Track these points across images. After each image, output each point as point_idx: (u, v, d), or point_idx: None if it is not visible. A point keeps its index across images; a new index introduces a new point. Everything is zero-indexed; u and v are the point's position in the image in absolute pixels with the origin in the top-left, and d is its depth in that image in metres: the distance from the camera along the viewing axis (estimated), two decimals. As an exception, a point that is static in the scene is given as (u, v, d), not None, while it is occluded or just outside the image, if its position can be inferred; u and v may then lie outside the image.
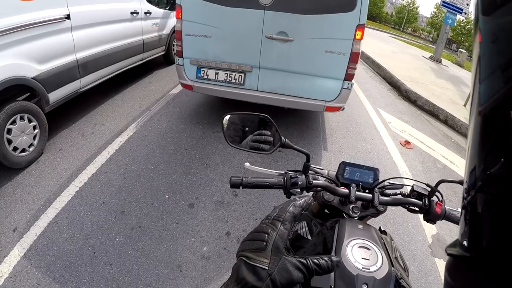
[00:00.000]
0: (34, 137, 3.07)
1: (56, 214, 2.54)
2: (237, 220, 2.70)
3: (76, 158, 3.21)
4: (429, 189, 1.09)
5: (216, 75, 3.60)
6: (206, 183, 3.08)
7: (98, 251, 2.30)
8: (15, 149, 2.86)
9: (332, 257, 0.68)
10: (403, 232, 2.91)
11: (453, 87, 8.92)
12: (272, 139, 1.03)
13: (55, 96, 3.26)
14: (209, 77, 3.62)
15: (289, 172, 1.01)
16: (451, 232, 3.08)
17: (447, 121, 6.13)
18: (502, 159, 0.27)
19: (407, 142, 4.70)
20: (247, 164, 1.04)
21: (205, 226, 2.61)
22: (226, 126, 1.03)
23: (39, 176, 2.92)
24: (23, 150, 2.95)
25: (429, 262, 2.68)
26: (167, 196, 2.85)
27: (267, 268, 0.58)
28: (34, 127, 3.05)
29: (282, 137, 0.98)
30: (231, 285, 0.58)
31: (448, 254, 0.35)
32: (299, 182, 1.00)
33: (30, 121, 2.99)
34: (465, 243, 0.32)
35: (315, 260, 0.64)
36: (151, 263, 2.28)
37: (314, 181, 1.03)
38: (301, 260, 0.63)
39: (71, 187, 2.82)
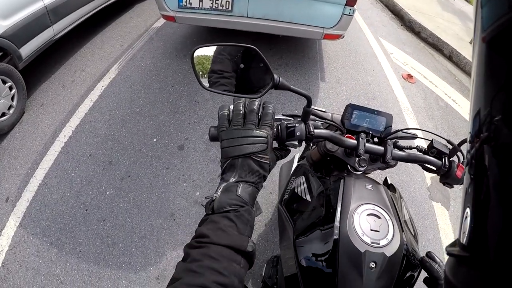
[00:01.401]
0: (12, 98, 2.83)
1: (44, 175, 2.45)
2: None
3: (58, 111, 3.01)
4: (450, 147, 0.95)
5: (200, 3, 3.20)
6: (196, 122, 2.91)
7: (90, 208, 2.26)
8: (-6, 115, 2.65)
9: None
10: (402, 172, 2.81)
11: (460, 22, 8.41)
12: (261, 78, 0.78)
13: (27, 49, 2.95)
14: (192, 5, 3.21)
15: (284, 119, 0.83)
16: None
17: (452, 57, 5.80)
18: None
19: (410, 76, 4.46)
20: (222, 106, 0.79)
21: (196, 169, 2.50)
22: (197, 63, 0.78)
23: (23, 137, 2.76)
24: (3, 114, 2.73)
25: (426, 205, 2.63)
26: (155, 140, 2.71)
27: (268, 162, 0.69)
28: (10, 88, 2.79)
29: (275, 76, 0.73)
30: (247, 175, 0.66)
31: (448, 254, 0.35)
32: (298, 133, 0.79)
33: (4, 82, 2.72)
34: (464, 242, 0.32)
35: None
36: (144, 214, 2.23)
37: (315, 131, 0.83)
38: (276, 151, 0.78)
39: (56, 144, 2.68)
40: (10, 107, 2.79)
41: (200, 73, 0.79)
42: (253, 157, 0.67)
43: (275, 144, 0.78)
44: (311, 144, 1.37)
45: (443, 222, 2.52)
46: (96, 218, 2.18)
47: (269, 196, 2.35)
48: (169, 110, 3.01)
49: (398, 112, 3.57)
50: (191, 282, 0.53)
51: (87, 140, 2.69)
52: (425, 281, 0.77)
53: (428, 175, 2.86)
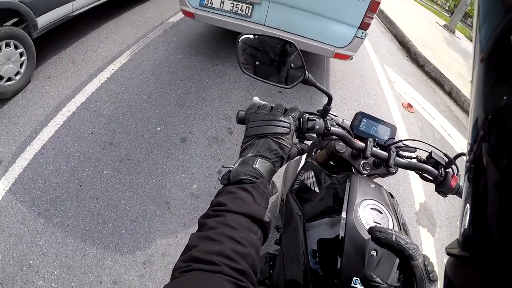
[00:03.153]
0: (21, 65, 2.82)
1: (42, 145, 2.42)
2: (230, 158, 2.60)
3: (65, 86, 2.99)
4: (447, 159, 1.03)
5: (222, 4, 3.27)
6: (201, 117, 2.94)
7: (85, 184, 2.23)
8: (0, 78, 2.63)
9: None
10: (393, 194, 2.82)
11: (463, 60, 8.65)
12: (292, 72, 0.87)
13: (44, 20, 2.95)
14: (213, 5, 3.28)
15: (306, 114, 0.88)
16: (438, 204, 3.08)
17: (452, 93, 5.96)
18: (505, 96, 0.26)
19: (410, 105, 4.58)
20: (256, 98, 0.87)
21: (196, 162, 2.51)
22: (241, 48, 0.85)
23: (26, 105, 2.73)
24: (9, 79, 2.71)
25: (413, 229, 2.70)
26: (158, 129, 2.71)
27: (288, 146, 0.71)
28: (21, 54, 2.79)
29: (307, 72, 0.83)
30: (265, 151, 0.68)
31: (448, 254, 0.35)
32: (317, 127, 0.87)
33: (16, 47, 2.73)
34: (465, 242, 0.32)
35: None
36: (139, 198, 2.21)
37: (332, 128, 0.92)
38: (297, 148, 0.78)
39: (59, 117, 2.66)
40: (17, 73, 2.78)
41: (241, 56, 0.85)
42: (274, 138, 0.70)
43: (295, 138, 0.83)
44: (316, 149, 1.46)
45: (427, 248, 2.58)
46: (89, 195, 2.16)
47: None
48: (176, 102, 3.03)
49: (404, 138, 3.63)
50: (208, 249, 0.52)
51: (91, 119, 2.68)
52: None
53: (417, 201, 2.94)
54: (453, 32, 12.62)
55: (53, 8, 3.01)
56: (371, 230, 0.67)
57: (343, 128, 1.01)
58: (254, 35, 0.86)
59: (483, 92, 0.29)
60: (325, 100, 1.00)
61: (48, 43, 3.43)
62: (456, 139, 4.39)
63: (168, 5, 5.11)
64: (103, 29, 4.03)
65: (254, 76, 0.86)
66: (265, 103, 0.79)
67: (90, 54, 3.51)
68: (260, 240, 0.61)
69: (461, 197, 0.90)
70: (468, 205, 0.32)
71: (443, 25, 13.07)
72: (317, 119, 0.87)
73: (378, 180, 1.25)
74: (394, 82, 5.14)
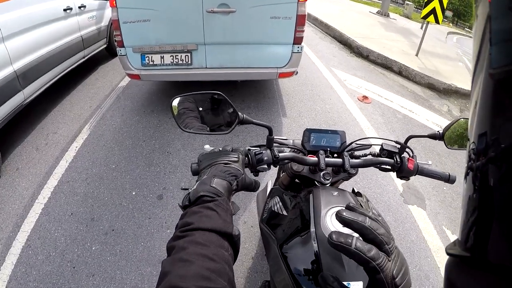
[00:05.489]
0: None
1: (27, 237, 2.43)
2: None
3: (34, 174, 3.04)
4: (398, 146, 1.10)
5: (162, 59, 3.45)
6: (171, 171, 3.03)
7: (78, 265, 2.24)
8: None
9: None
10: (374, 185, 3.01)
11: (403, 38, 9.10)
12: (228, 117, 0.95)
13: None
14: (154, 63, 3.46)
15: (252, 149, 0.96)
16: (419, 178, 3.18)
17: (401, 72, 6.30)
18: None
19: (365, 97, 4.80)
20: (207, 146, 0.94)
21: (177, 215, 2.57)
22: (176, 111, 0.93)
23: (1, 202, 2.75)
24: None
25: (403, 210, 2.81)
26: (134, 193, 2.78)
27: (240, 170, 0.77)
28: None
29: (239, 113, 0.90)
30: (219, 172, 0.73)
31: (448, 254, 0.35)
32: (265, 158, 0.95)
33: None
34: (465, 242, 0.32)
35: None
36: (133, 264, 2.24)
37: (280, 154, 0.98)
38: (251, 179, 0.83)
39: (36, 206, 2.69)
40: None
41: (178, 118, 0.94)
42: (225, 165, 0.76)
43: (248, 172, 0.91)
44: (281, 172, 1.54)
45: (422, 221, 2.72)
46: (84, 274, 2.18)
47: (251, 229, 2.45)
48: (144, 163, 3.11)
49: (359, 132, 3.82)
50: (183, 273, 0.50)
51: (67, 200, 2.73)
52: None
53: (399, 183, 3.09)
54: (388, 16, 13.25)
55: (5, 101, 3.05)
56: (329, 237, 0.56)
57: (295, 149, 1.09)
58: (184, 95, 0.93)
59: (491, 108, 0.29)
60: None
61: (9, 135, 3.48)
62: (417, 113, 4.65)
63: (114, 71, 5.28)
64: (58, 109, 4.11)
65: (194, 131, 0.93)
66: (213, 148, 0.88)
67: (52, 136, 3.57)
68: (231, 257, 0.60)
69: (423, 175, 1.05)
70: (468, 205, 0.32)
71: (376, 12, 13.70)
72: (263, 151, 0.95)
73: (351, 180, 1.31)
74: (344, 80, 5.38)
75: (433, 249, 2.50)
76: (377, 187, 3.00)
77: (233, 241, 0.63)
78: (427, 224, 2.70)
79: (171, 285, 0.48)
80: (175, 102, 0.93)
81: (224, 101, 0.92)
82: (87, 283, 2.13)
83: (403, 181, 3.05)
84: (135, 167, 3.07)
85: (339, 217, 0.57)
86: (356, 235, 0.55)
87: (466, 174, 0.33)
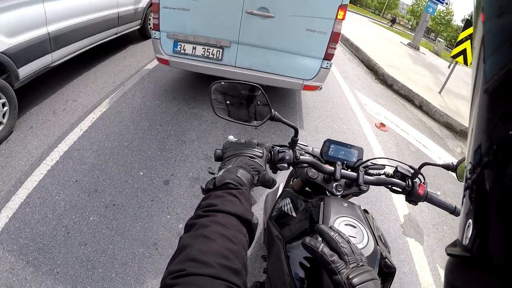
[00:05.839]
0: (3, 115, 2.89)
1: (27, 195, 2.44)
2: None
3: (47, 135, 3.07)
4: (412, 171, 1.11)
5: (194, 50, 3.49)
6: (181, 160, 3.04)
7: (72, 231, 2.25)
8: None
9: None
10: (376, 211, 3.00)
11: (430, 74, 9.11)
12: (253, 113, 1.00)
13: (25, 71, 3.06)
14: (186, 52, 3.51)
15: (276, 147, 0.99)
16: (422, 213, 3.20)
17: (422, 106, 6.28)
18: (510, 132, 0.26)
19: (382, 125, 4.80)
20: (230, 137, 0.95)
21: (180, 203, 2.59)
22: (213, 94, 0.97)
23: (9, 155, 2.78)
24: None
25: (401, 241, 2.79)
26: (141, 173, 2.80)
27: (262, 166, 0.79)
28: (3, 104, 2.86)
29: (272, 110, 0.93)
30: (244, 165, 0.75)
31: (448, 254, 0.35)
32: (287, 157, 0.97)
33: None
34: (466, 243, 0.32)
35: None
36: (126, 242, 2.25)
37: (301, 157, 1.01)
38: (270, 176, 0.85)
39: (43, 166, 2.71)
40: None
41: (215, 103, 0.97)
42: (250, 158, 0.78)
43: (269, 170, 0.93)
44: (292, 178, 1.56)
45: (417, 256, 2.70)
46: (77, 242, 2.18)
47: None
48: (157, 147, 3.14)
49: (371, 157, 3.75)
50: (204, 248, 0.52)
51: (74, 167, 2.75)
52: None
53: (401, 214, 3.07)
54: (418, 49, 13.28)
55: (34, 59, 3.12)
56: (302, 240, 0.69)
57: (313, 155, 1.10)
58: (225, 82, 0.98)
59: (487, 121, 0.29)
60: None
61: (30, 94, 3.53)
62: (431, 149, 4.63)
63: (143, 53, 5.36)
64: (82, 79, 4.18)
65: (227, 118, 0.96)
66: (237, 139, 0.89)
67: (71, 104, 3.62)
68: (247, 243, 0.62)
69: (431, 203, 1.05)
70: (468, 205, 0.32)
71: (407, 44, 13.74)
72: (286, 151, 0.98)
73: (357, 200, 1.33)
74: (365, 105, 5.39)
75: (423, 284, 2.47)
76: (380, 213, 2.98)
77: (251, 228, 0.66)
78: (422, 259, 2.68)
79: (191, 257, 0.50)
80: (215, 85, 0.97)
81: (261, 95, 0.95)
82: (78, 251, 2.13)
83: (405, 213, 3.10)
84: (147, 148, 3.09)
85: (304, 246, 0.69)
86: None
87: (466, 177, 0.33)
